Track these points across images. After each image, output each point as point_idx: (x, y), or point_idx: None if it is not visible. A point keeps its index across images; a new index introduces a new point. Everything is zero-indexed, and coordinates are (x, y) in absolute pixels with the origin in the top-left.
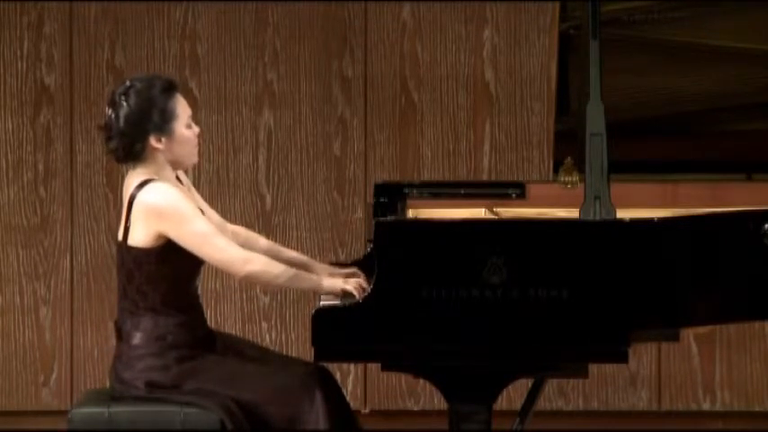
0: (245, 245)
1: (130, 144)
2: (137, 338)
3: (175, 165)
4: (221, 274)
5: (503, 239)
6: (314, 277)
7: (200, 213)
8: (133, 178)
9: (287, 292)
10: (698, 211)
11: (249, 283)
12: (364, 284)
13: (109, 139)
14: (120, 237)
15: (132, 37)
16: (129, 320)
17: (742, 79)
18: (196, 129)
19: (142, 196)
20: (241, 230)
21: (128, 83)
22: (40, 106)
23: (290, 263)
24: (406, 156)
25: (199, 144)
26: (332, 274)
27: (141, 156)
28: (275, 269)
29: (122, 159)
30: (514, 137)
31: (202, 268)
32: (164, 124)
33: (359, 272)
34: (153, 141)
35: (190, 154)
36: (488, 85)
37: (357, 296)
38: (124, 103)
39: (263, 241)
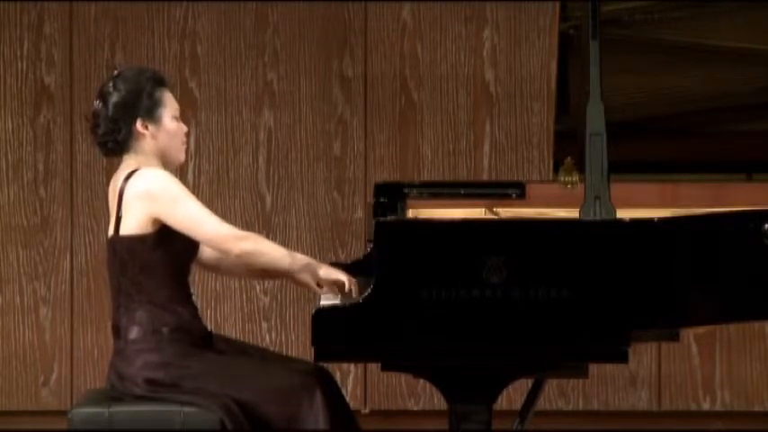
0: None
1: (117, 130)
2: (134, 332)
3: (162, 158)
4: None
5: (503, 239)
6: (313, 262)
7: (190, 193)
8: (120, 173)
9: (287, 292)
10: (698, 211)
11: (246, 261)
12: (354, 284)
13: (96, 126)
14: (111, 231)
15: (132, 37)
16: (124, 316)
17: (742, 79)
18: (184, 127)
19: (131, 184)
20: None
21: (116, 71)
22: (40, 106)
23: None
24: (406, 156)
25: (187, 143)
26: None
27: (128, 143)
28: (272, 251)
29: (110, 149)
30: (514, 137)
31: (193, 265)
32: (151, 110)
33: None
34: (139, 126)
35: (177, 149)
36: (488, 85)
37: (346, 289)
38: (114, 91)
39: None
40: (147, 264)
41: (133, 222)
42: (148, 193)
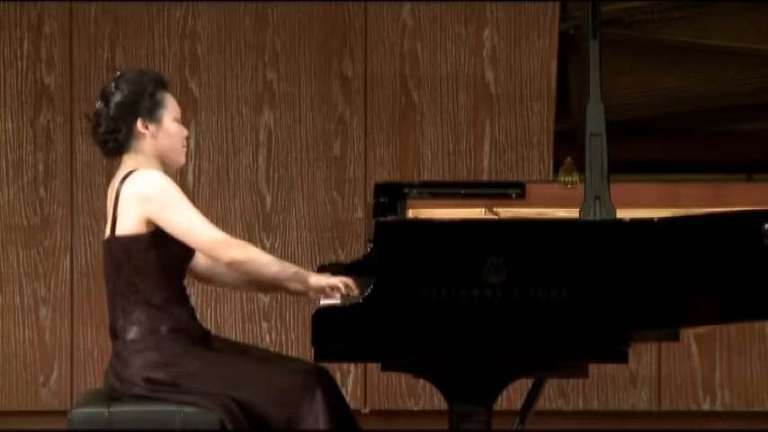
0: None
1: (118, 129)
2: (132, 333)
3: (162, 160)
4: None
5: (503, 239)
6: (302, 271)
7: (185, 198)
8: (118, 174)
9: None
10: (698, 211)
11: (236, 269)
12: (351, 284)
13: (98, 125)
14: (108, 232)
15: (132, 37)
16: (121, 317)
17: (742, 79)
18: (185, 130)
19: (127, 185)
20: None
21: (118, 73)
22: (40, 106)
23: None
24: (406, 156)
25: (187, 147)
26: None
27: (128, 143)
28: (262, 258)
29: (111, 148)
30: (514, 137)
31: (188, 266)
32: (152, 110)
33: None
34: (140, 126)
35: (177, 152)
36: (488, 85)
37: (343, 291)
38: (116, 91)
39: None
40: (142, 264)
41: (128, 223)
42: (144, 195)
